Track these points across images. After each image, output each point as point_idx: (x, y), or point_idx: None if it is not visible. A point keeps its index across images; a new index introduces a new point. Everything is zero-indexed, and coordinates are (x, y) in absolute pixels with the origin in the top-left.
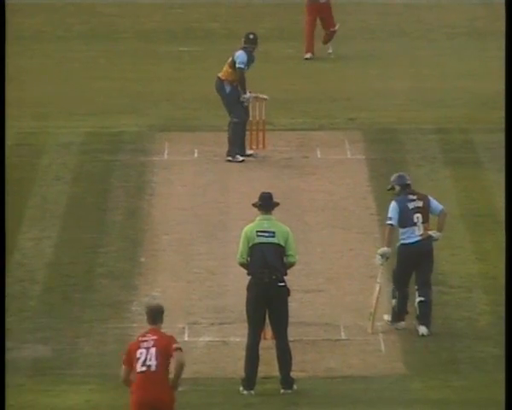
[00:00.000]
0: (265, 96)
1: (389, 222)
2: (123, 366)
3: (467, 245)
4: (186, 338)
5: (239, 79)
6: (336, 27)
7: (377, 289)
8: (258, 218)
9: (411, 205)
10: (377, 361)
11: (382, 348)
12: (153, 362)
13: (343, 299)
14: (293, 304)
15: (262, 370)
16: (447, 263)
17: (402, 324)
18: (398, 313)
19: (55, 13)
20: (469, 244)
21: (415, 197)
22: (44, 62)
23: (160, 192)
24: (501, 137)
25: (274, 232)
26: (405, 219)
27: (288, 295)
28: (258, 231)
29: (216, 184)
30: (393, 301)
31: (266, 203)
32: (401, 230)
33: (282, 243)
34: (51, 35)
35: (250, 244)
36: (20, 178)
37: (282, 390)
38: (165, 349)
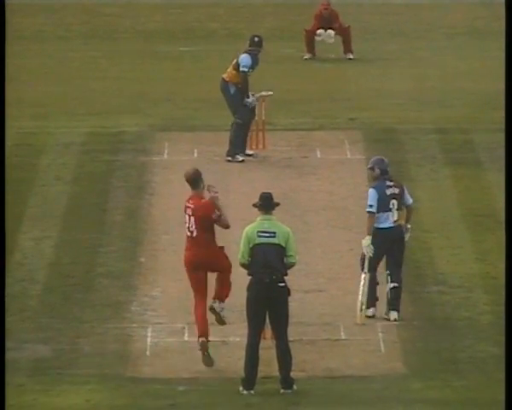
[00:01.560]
0: (270, 92)
1: (370, 210)
2: None
3: (467, 245)
4: (186, 338)
5: (242, 83)
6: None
7: (364, 276)
8: (258, 218)
9: (389, 191)
10: (377, 361)
11: (382, 348)
12: (193, 228)
13: (343, 299)
14: (293, 304)
15: (262, 370)
16: (447, 263)
17: (371, 310)
18: (369, 300)
19: (55, 13)
20: (469, 244)
21: (392, 184)
22: (44, 62)
23: (160, 192)
24: (501, 137)
25: (275, 233)
26: (382, 205)
27: (289, 295)
28: (258, 232)
29: (216, 184)
30: (363, 288)
31: (266, 203)
32: (377, 214)
33: (283, 244)
34: (51, 35)
35: (251, 245)
36: (20, 178)
37: (281, 390)
38: (203, 219)
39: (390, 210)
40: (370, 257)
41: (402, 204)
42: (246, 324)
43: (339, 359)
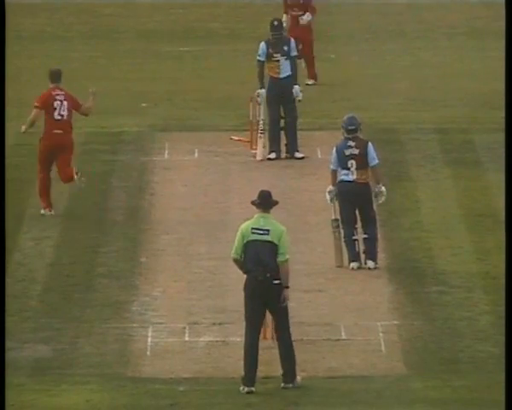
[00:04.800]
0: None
1: (331, 167)
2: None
3: (467, 245)
4: (186, 338)
5: (257, 72)
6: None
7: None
8: (255, 215)
9: (347, 152)
10: (377, 361)
11: (382, 348)
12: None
13: (343, 299)
14: (293, 304)
15: (262, 370)
16: (447, 263)
17: (353, 264)
18: (349, 255)
19: (55, 13)
20: (469, 244)
21: (353, 144)
22: (44, 62)
23: (160, 192)
24: (501, 137)
25: (268, 230)
26: (342, 163)
27: (288, 297)
28: (253, 228)
29: (216, 184)
30: (343, 244)
31: (264, 201)
32: (340, 170)
33: (276, 241)
34: (51, 35)
35: (245, 241)
36: (20, 178)
37: (282, 384)
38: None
39: (349, 169)
40: (337, 208)
41: (366, 164)
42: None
43: (339, 359)
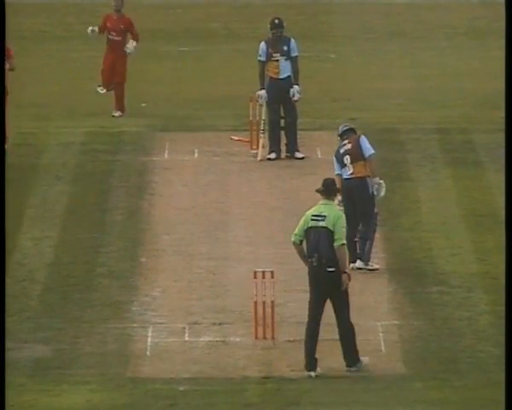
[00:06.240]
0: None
1: (335, 173)
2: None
3: (467, 245)
4: (186, 338)
5: (258, 73)
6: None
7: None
8: (320, 202)
9: (342, 149)
10: (377, 361)
11: (382, 348)
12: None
13: None
14: (293, 304)
15: (262, 370)
16: (447, 263)
17: (353, 265)
18: (350, 256)
19: (55, 13)
20: (469, 244)
21: (346, 141)
22: (44, 62)
23: (160, 192)
24: (501, 137)
25: (325, 216)
26: (340, 162)
27: (349, 279)
28: (313, 215)
29: (216, 184)
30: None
31: (326, 189)
32: (342, 171)
33: (331, 227)
34: (51, 35)
35: (305, 227)
36: (20, 178)
37: (346, 368)
38: None
39: (345, 165)
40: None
41: (361, 157)
42: (246, 324)
43: (339, 359)
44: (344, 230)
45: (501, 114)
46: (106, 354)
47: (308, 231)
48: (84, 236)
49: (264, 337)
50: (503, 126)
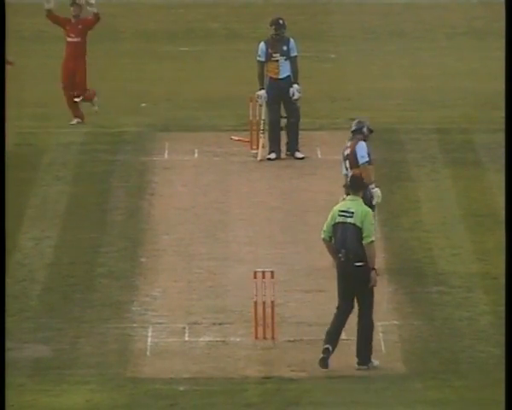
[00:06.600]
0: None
1: (342, 173)
2: None
3: (467, 245)
4: (186, 338)
5: (257, 73)
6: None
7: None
8: (347, 198)
9: (344, 153)
10: (377, 361)
11: (382, 348)
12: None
13: None
14: (293, 304)
15: (262, 370)
16: (447, 263)
17: None
18: None
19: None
20: (469, 244)
21: (348, 144)
22: (44, 62)
23: (160, 192)
24: (501, 137)
25: (353, 213)
26: (343, 165)
27: (378, 274)
28: (340, 211)
29: (216, 184)
30: None
31: (353, 185)
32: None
33: (359, 224)
34: (51, 35)
35: (333, 223)
36: (20, 178)
37: (356, 366)
38: None
39: (347, 169)
40: None
41: (356, 164)
42: (246, 324)
43: (339, 359)
44: (372, 226)
45: (501, 114)
46: (106, 354)
47: (335, 227)
48: (84, 236)
49: (264, 337)
50: (503, 126)
